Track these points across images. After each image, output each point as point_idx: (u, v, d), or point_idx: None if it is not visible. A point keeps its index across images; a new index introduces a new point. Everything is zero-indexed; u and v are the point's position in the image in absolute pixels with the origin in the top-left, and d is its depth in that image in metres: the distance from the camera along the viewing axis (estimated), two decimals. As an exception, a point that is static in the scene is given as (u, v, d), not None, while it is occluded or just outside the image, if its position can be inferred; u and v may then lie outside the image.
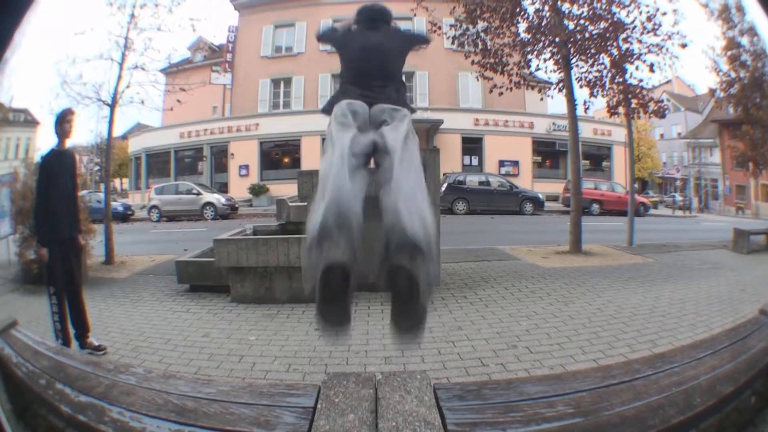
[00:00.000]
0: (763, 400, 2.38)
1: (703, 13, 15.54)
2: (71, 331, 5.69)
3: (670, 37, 11.97)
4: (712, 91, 18.07)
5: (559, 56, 12.44)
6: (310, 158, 30.85)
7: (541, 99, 14.58)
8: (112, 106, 11.80)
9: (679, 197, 37.50)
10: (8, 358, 2.65)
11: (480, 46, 12.74)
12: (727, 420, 2.24)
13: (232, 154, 32.90)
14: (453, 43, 13.04)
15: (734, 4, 15.31)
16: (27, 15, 1.88)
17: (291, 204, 8.95)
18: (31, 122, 13.02)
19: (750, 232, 12.72)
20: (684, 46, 12.01)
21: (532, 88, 13.69)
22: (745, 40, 15.20)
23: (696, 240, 14.68)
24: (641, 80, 12.59)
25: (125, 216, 24.33)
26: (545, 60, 12.82)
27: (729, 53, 15.35)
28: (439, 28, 12.99)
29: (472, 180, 26.05)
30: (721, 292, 8.03)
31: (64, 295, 5.65)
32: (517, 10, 12.48)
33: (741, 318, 4.76)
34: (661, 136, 53.00)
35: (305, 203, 8.68)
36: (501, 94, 12.75)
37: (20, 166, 10.19)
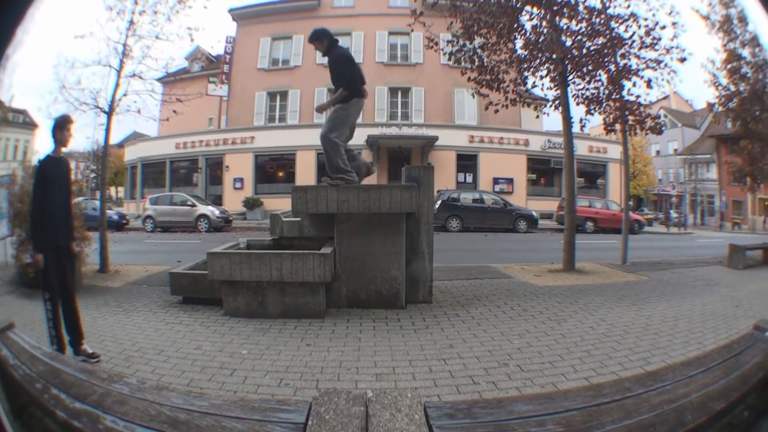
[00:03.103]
0: (756, 413, 2.38)
1: (703, 25, 15.65)
2: (66, 338, 5.70)
3: (668, 51, 12.02)
4: (711, 106, 18.21)
5: (555, 73, 12.49)
6: (304, 173, 30.94)
7: (537, 116, 14.59)
8: (109, 113, 11.82)
9: (674, 214, 37.63)
10: (5, 359, 2.66)
11: (476, 63, 12.79)
12: (721, 434, 2.25)
13: (227, 167, 33.01)
14: (449, 59, 13.02)
15: (736, 14, 15.43)
16: (29, 11, 1.89)
17: (285, 219, 8.98)
18: (29, 124, 13.01)
19: (746, 248, 12.77)
20: (683, 60, 12.03)
21: (528, 105, 13.68)
22: (746, 52, 15.33)
23: (691, 257, 14.76)
24: (638, 96, 12.60)
25: (120, 225, 24.43)
26: (542, 77, 12.90)
27: (729, 66, 15.50)
28: (436, 44, 13.05)
29: (466, 197, 26.29)
30: (715, 308, 8.06)
31: (58, 301, 5.66)
32: (515, 25, 12.55)
33: (735, 334, 4.78)
34: (658, 152, 53.33)
35: (299, 218, 8.72)
36: (497, 111, 12.81)
37: (18, 168, 10.20)
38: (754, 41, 15.16)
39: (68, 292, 5.81)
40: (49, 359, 2.94)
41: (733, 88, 15.71)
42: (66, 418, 2.24)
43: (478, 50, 12.78)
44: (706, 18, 15.70)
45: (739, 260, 12.46)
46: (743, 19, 15.36)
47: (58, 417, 2.28)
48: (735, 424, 2.30)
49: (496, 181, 32.42)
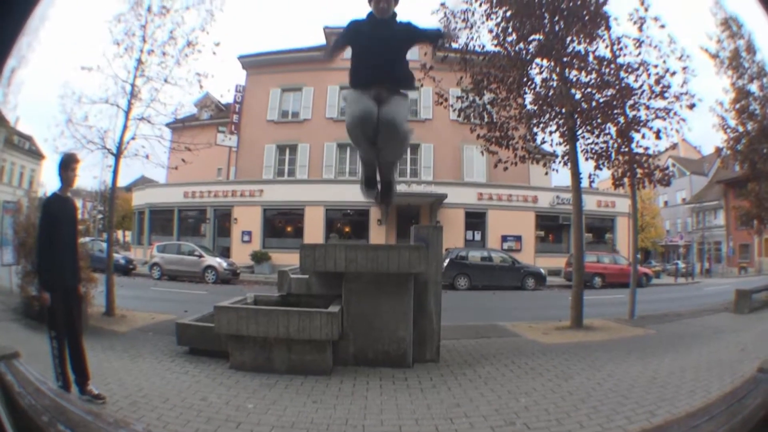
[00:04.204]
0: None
1: (712, 65, 15.91)
2: (71, 376, 5.71)
3: (678, 99, 12.06)
4: (719, 150, 18.52)
5: (564, 128, 12.57)
6: (312, 228, 30.99)
7: (546, 173, 14.60)
8: (117, 155, 11.92)
9: (681, 264, 37.58)
10: (10, 385, 2.65)
11: (486, 119, 12.91)
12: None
13: (236, 219, 33.06)
14: (459, 115, 13.13)
15: (744, 45, 15.71)
16: (27, 22, 1.93)
17: (292, 276, 9.03)
18: (35, 153, 13.13)
19: (752, 291, 12.79)
20: (692, 106, 12.07)
21: (537, 161, 13.72)
22: (754, 86, 15.58)
23: (698, 306, 14.73)
24: (647, 148, 12.77)
25: (126, 269, 24.46)
26: (551, 132, 12.99)
27: (738, 105, 15.75)
28: (446, 99, 13.21)
29: (474, 255, 26.33)
30: (720, 356, 8.07)
31: (64, 340, 5.70)
32: (525, 79, 12.72)
33: (740, 378, 4.75)
34: (665, 203, 53.47)
35: (306, 276, 8.76)
36: (506, 169, 12.85)
37: (23, 198, 10.30)
38: (762, 72, 15.44)
39: (75, 332, 5.85)
40: (55, 395, 2.93)
41: (741, 129, 16.02)
42: None
43: (488, 106, 12.90)
44: (715, 56, 16.07)
45: (745, 305, 12.46)
46: (751, 49, 15.69)
47: None
48: None
49: (504, 238, 32.29)
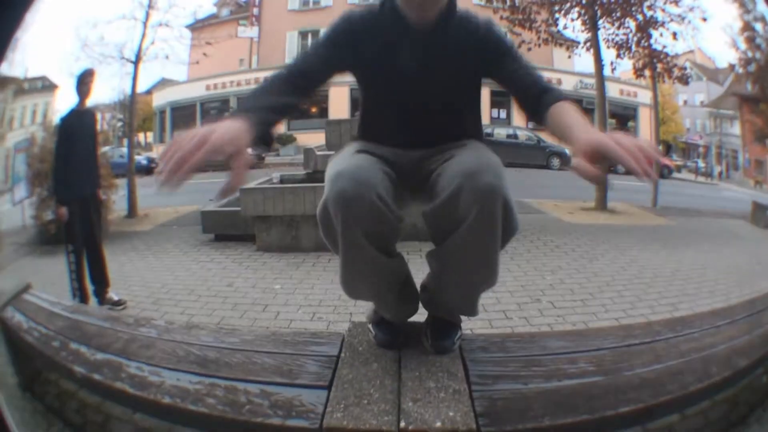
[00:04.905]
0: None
1: None
2: (89, 288, 5.71)
3: (691, 10, 12.39)
4: (732, 66, 18.16)
5: (586, 16, 12.49)
6: (337, 109, 30.66)
7: (569, 57, 14.53)
8: (136, 62, 11.79)
9: (701, 163, 37.17)
10: (18, 326, 2.64)
11: (508, 3, 12.78)
12: (741, 396, 2.22)
13: (260, 104, 32.84)
14: (482, -1, 12.99)
15: None
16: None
17: (318, 153, 8.92)
18: (49, 87, 13.01)
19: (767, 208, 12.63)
20: (704, 19, 12.54)
21: (560, 45, 13.74)
22: (758, 26, 15.24)
23: (717, 208, 14.58)
24: (665, 46, 12.81)
25: (149, 168, 24.47)
26: (573, 19, 12.94)
27: (746, 34, 15.39)
28: (468, -18, 12.90)
29: (500, 133, 25.82)
30: (739, 262, 7.91)
31: (82, 252, 5.66)
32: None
33: (756, 292, 4.73)
34: (685, 102, 52.38)
35: (333, 152, 8.66)
36: (529, 50, 12.59)
37: (38, 131, 10.23)
38: (764, 19, 15.06)
39: (94, 240, 5.80)
40: (69, 313, 2.86)
41: (750, 54, 15.62)
42: (85, 373, 2.18)
43: (510, -10, 12.61)
44: None
45: (761, 218, 12.34)
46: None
47: (75, 374, 2.23)
48: (755, 387, 2.28)
49: (530, 117, 31.95)
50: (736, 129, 38.30)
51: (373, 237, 1.81)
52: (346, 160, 1.91)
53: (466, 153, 1.93)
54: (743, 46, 15.68)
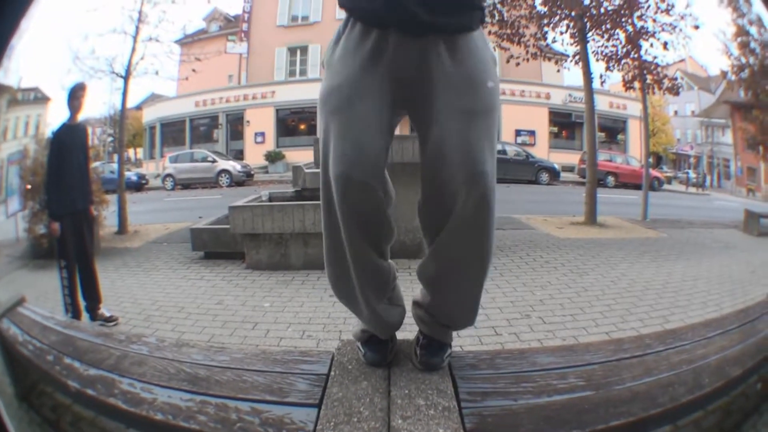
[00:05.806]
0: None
1: None
2: (82, 304, 5.67)
3: (683, 18, 12.35)
4: (724, 74, 18.16)
5: (575, 29, 12.52)
6: (325, 126, 30.71)
7: (558, 71, 14.67)
8: (126, 77, 11.83)
9: (692, 174, 37.34)
10: (14, 338, 2.62)
11: (497, 17, 12.72)
12: (734, 404, 2.22)
13: (248, 122, 32.80)
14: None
15: None
16: (33, 3, 1.85)
17: (307, 171, 8.94)
18: (41, 99, 13.03)
19: (761, 215, 12.68)
20: (696, 27, 12.46)
21: (549, 59, 13.79)
22: (753, 30, 15.29)
23: (708, 218, 14.63)
24: (655, 57, 12.86)
25: (139, 185, 24.37)
26: (561, 33, 12.99)
27: (739, 39, 15.44)
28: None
29: (489, 149, 25.74)
30: (732, 272, 7.97)
31: (75, 268, 5.63)
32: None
33: (750, 300, 4.75)
34: (675, 112, 52.63)
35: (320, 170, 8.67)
36: (518, 64, 12.80)
37: (30, 143, 10.23)
38: (760, 21, 15.13)
39: (86, 256, 5.77)
40: (63, 328, 2.88)
41: (744, 60, 15.68)
42: (79, 388, 2.20)
43: (498, 5, 12.71)
44: None
45: (754, 226, 12.39)
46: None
47: (69, 388, 2.23)
48: (749, 394, 2.28)
49: (518, 132, 31.93)
50: (727, 138, 38.40)
51: (366, 228, 1.96)
52: (350, 126, 1.95)
53: (461, 125, 1.98)
54: (736, 52, 15.75)
